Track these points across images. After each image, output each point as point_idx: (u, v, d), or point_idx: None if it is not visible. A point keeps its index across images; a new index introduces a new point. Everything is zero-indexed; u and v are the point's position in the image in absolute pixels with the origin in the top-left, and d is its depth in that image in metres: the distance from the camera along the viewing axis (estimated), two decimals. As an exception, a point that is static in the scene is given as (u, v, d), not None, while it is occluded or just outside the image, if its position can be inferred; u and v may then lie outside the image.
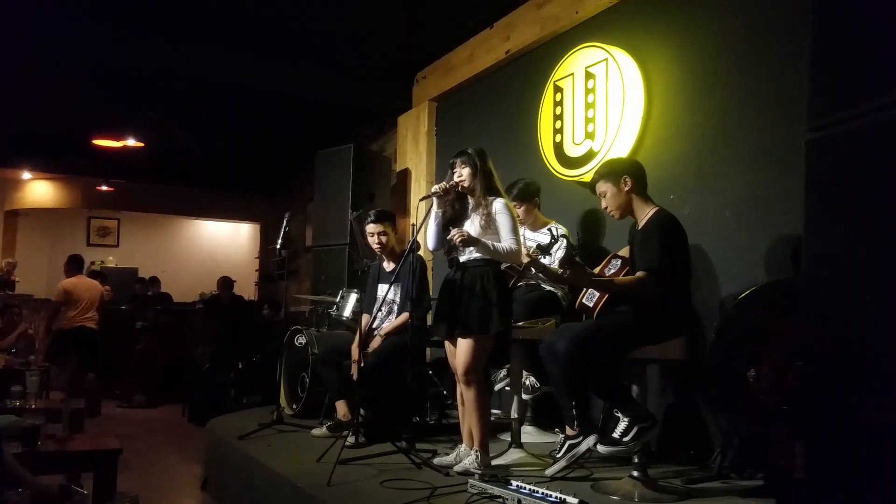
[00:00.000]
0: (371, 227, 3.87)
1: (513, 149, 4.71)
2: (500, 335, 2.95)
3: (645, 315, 2.70)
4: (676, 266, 2.70)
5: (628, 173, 2.84)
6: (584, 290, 2.96)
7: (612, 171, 2.87)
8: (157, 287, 9.35)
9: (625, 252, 3.04)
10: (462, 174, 2.99)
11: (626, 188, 2.82)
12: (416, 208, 3.25)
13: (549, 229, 3.27)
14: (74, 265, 7.18)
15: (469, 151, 3.02)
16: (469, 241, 2.86)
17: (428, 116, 5.83)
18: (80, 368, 6.71)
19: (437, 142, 5.84)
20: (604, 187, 2.87)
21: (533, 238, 3.75)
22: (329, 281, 5.55)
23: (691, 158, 3.45)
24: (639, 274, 2.68)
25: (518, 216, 3.66)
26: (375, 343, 3.68)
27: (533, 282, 3.67)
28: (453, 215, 3.05)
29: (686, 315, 2.81)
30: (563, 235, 2.89)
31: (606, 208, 2.90)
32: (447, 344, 3.10)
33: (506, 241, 2.92)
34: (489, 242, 2.89)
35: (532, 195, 3.74)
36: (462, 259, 3.02)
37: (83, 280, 7.17)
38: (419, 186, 5.86)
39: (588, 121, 3.99)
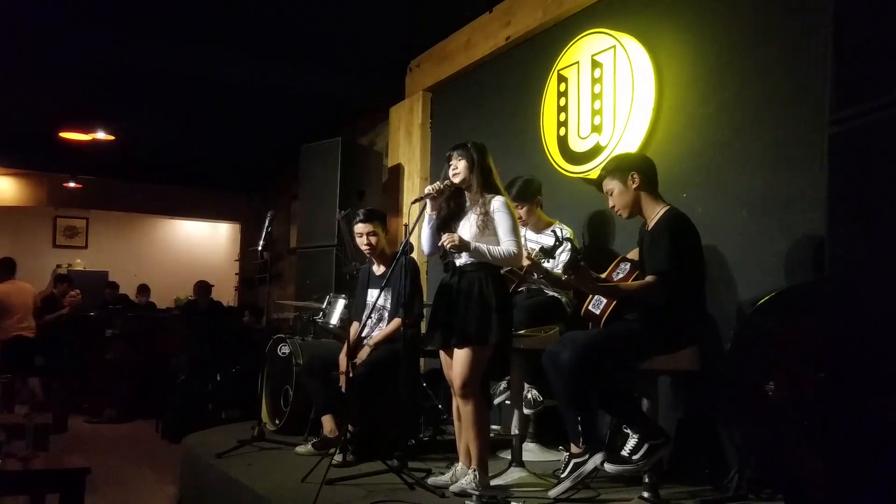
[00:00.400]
0: (360, 227, 3.87)
1: (513, 143, 4.71)
2: (500, 344, 2.95)
3: (655, 322, 2.71)
4: (689, 269, 2.71)
5: (636, 169, 2.85)
6: (591, 296, 2.96)
7: (620, 166, 2.88)
8: (146, 296, 9.33)
9: (634, 255, 3.04)
10: (457, 167, 3.00)
11: (635, 185, 2.84)
12: (409, 210, 3.25)
13: (554, 230, 3.28)
14: (5, 269, 7.00)
15: (467, 144, 3.03)
16: (461, 246, 2.87)
17: (422, 108, 5.82)
18: (23, 382, 6.69)
19: (431, 135, 5.84)
20: (611, 184, 2.88)
21: (536, 240, 3.74)
22: (315, 286, 5.55)
23: (705, 154, 3.45)
24: (648, 278, 2.69)
25: (519, 217, 3.67)
26: (364, 354, 3.67)
27: (535, 287, 3.67)
28: (448, 214, 3.06)
29: (699, 322, 2.82)
30: (567, 238, 2.89)
31: (614, 207, 2.91)
32: (442, 354, 3.10)
33: (504, 244, 2.92)
34: (484, 247, 2.89)
35: (533, 193, 3.75)
36: (458, 262, 3.02)
37: (16, 285, 7.02)
38: (412, 183, 5.86)
39: (595, 113, 4.00)
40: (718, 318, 3.17)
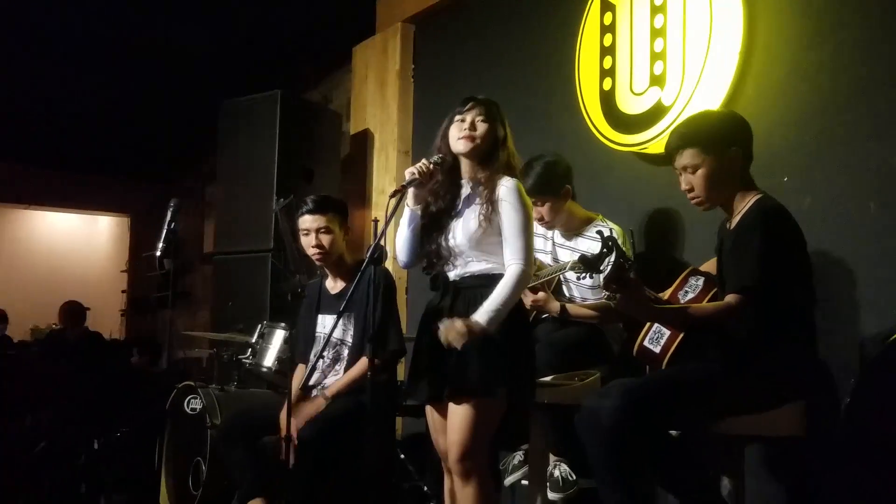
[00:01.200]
0: (308, 220, 3.88)
1: (534, 101, 4.74)
2: (514, 398, 2.98)
3: (741, 365, 2.74)
4: (789, 286, 2.73)
5: (737, 141, 2.87)
6: (647, 325, 2.99)
7: (712, 133, 2.87)
8: (2, 327, 9.27)
9: (711, 266, 3.07)
10: (477, 128, 3.02)
11: (734, 164, 2.86)
12: (388, 203, 3.23)
13: (600, 231, 3.28)
14: None
15: (491, 101, 3.09)
16: (475, 331, 2.81)
17: (400, 47, 5.85)
18: None
19: (414, 87, 5.87)
20: (694, 159, 2.86)
21: (571, 247, 3.78)
22: (240, 309, 5.55)
23: (816, 120, 3.48)
24: (728, 298, 2.71)
25: (540, 217, 3.71)
26: (316, 408, 3.69)
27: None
28: (439, 211, 3.08)
29: (805, 365, 2.85)
30: (609, 238, 2.89)
31: (690, 192, 2.91)
32: (430, 411, 3.13)
33: (507, 255, 2.93)
34: (496, 303, 2.86)
35: (559, 181, 3.77)
36: (453, 275, 3.05)
37: None
38: (386, 159, 5.88)
39: (655, 57, 4.03)
40: (833, 358, 3.19)
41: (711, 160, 2.85)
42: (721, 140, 2.87)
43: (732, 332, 2.76)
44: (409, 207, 3.09)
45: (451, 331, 2.80)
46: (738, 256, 2.75)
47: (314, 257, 3.93)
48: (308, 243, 3.90)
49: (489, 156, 3.04)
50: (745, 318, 2.70)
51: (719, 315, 2.75)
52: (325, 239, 3.87)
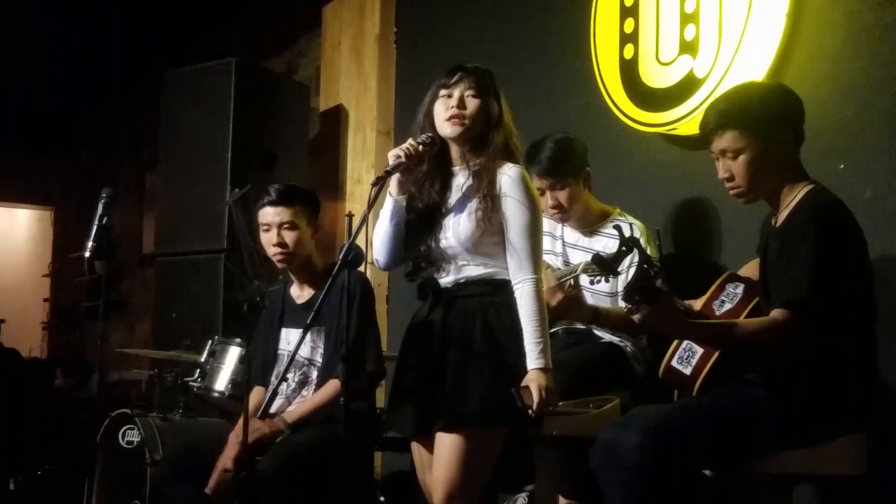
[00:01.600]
0: (269, 213, 3.87)
1: (541, 73, 4.74)
2: (517, 428, 2.99)
3: (787, 390, 2.75)
4: (846, 298, 2.73)
5: (787, 121, 2.86)
6: (676, 343, 2.99)
7: (757, 112, 2.83)
8: None
9: (751, 270, 3.07)
10: (467, 107, 3.02)
11: (785, 149, 2.85)
12: (369, 193, 3.23)
13: (618, 225, 3.28)
14: None
15: (480, 70, 3.08)
16: (549, 383, 2.86)
17: (380, 7, 5.86)
18: None
19: (397, 56, 5.87)
20: (737, 142, 2.84)
21: (587, 247, 3.78)
22: (187, 322, 5.55)
23: (877, 94, 3.48)
24: (774, 314, 2.71)
25: (555, 207, 3.70)
26: (271, 428, 3.67)
27: (581, 326, 3.71)
28: (426, 205, 3.08)
29: (864, 391, 2.85)
30: (630, 238, 2.89)
31: (729, 181, 2.91)
32: (416, 447, 3.13)
33: (516, 268, 2.94)
34: (537, 335, 2.89)
35: (578, 162, 3.78)
36: (445, 282, 3.06)
37: None
38: (363, 141, 5.88)
39: (686, 19, 4.03)
40: (898, 383, 3.22)
41: (757, 143, 2.82)
42: (768, 119, 2.84)
43: (778, 352, 2.75)
44: (393, 197, 3.08)
45: (545, 406, 2.84)
46: (785, 262, 2.73)
47: (276, 258, 3.91)
48: (268, 241, 3.87)
49: (483, 138, 3.04)
50: (794, 335, 2.68)
51: (764, 333, 2.74)
52: (290, 236, 3.85)
